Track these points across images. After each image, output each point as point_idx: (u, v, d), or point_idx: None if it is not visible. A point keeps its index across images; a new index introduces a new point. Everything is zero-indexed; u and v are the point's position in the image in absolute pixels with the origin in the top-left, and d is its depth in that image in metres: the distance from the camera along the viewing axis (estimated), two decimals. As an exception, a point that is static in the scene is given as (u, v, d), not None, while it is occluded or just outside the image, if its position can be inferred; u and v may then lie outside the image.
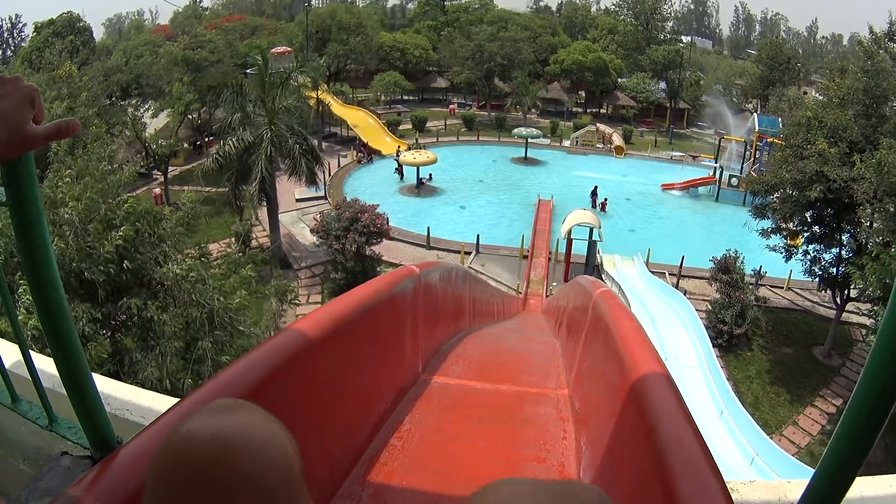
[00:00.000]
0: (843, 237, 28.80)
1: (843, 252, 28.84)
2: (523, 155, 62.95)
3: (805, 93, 68.99)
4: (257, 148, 34.10)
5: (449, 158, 57.11)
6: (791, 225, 30.65)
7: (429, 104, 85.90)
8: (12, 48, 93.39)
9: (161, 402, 3.28)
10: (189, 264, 13.25)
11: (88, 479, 1.64)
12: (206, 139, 56.30)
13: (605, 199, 49.95)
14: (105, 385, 3.27)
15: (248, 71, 47.47)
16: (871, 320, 25.73)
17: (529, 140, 62.62)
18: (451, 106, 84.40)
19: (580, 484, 1.23)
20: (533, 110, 78.71)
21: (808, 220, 29.65)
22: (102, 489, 1.60)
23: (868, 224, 25.11)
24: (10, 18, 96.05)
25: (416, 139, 64.35)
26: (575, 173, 59.03)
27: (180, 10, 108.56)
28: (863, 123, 27.04)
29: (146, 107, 51.12)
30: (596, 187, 50.90)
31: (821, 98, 35.56)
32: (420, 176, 51.72)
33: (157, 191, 45.71)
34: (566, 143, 69.76)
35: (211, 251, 18.78)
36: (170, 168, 48.45)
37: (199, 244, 16.51)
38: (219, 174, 36.32)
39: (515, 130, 64.95)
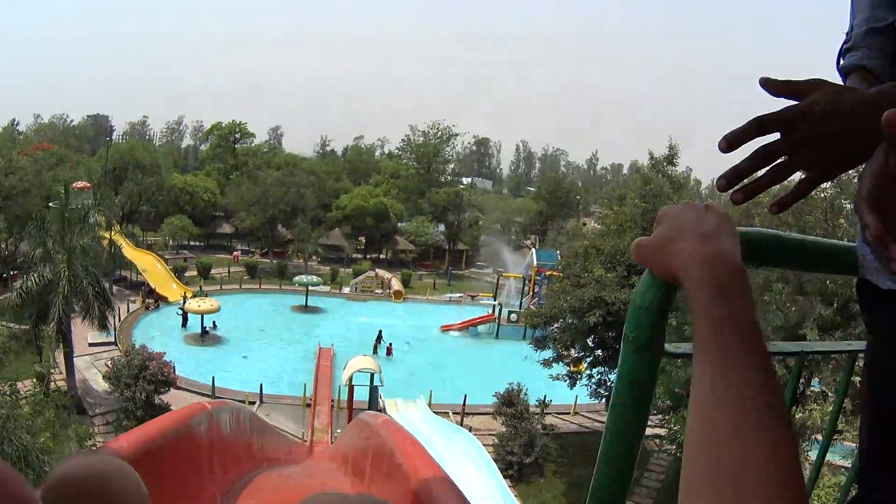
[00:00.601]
0: None
1: None
2: (304, 303, 63.87)
3: (584, 224, 72.19)
4: (55, 286, 34.11)
5: (232, 306, 57.28)
6: (573, 352, 32.66)
7: (214, 250, 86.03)
8: None
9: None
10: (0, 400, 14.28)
11: None
12: (12, 273, 54.49)
13: (391, 344, 51.17)
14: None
15: (50, 204, 47.36)
16: (665, 429, 27.56)
17: (310, 287, 63.52)
18: (235, 253, 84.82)
19: (376, 497, 1.45)
20: (314, 257, 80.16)
21: (591, 345, 31.66)
22: None
23: None
24: None
25: (201, 286, 64.44)
26: (356, 320, 60.17)
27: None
28: None
29: None
30: (381, 332, 52.24)
31: (599, 227, 37.95)
32: (204, 325, 51.87)
33: None
34: (346, 289, 70.99)
35: (18, 390, 19.67)
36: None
37: (10, 381, 17.39)
38: (21, 309, 35.94)
39: (296, 278, 65.87)
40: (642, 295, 1.18)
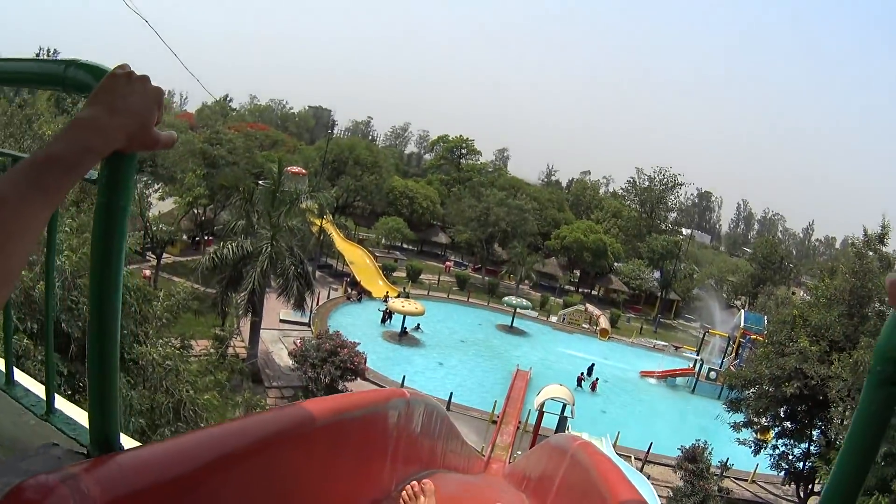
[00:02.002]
0: (814, 433, 28.94)
1: (812, 447, 28.96)
2: (509, 323, 62.90)
3: (794, 293, 69.64)
4: (254, 259, 33.95)
5: (436, 313, 56.95)
6: (763, 420, 30.78)
7: (426, 257, 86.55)
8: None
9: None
10: (167, 352, 13.25)
11: (80, 468, 1.48)
12: (206, 237, 56.42)
13: (597, 379, 49.79)
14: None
15: (260, 182, 47.83)
16: None
17: (518, 310, 62.75)
18: (448, 263, 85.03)
19: None
20: (527, 281, 78.49)
21: (782, 415, 29.87)
22: (93, 481, 1.45)
23: (839, 421, 25.24)
24: (47, 50, 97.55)
25: (406, 288, 64.71)
26: (558, 349, 58.81)
27: (210, 103, 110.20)
28: (845, 323, 27.51)
29: (155, 187, 51.35)
30: (592, 365, 51.05)
31: (808, 298, 36.12)
32: (405, 325, 51.49)
33: (147, 273, 45.24)
34: (553, 318, 69.72)
35: (192, 346, 18.81)
36: (165, 255, 48.45)
37: (183, 336, 16.48)
38: (211, 274, 36.04)
39: (506, 298, 65.30)
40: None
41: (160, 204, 51.60)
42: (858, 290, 28.18)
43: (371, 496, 4.18)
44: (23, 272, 10.48)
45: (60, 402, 2.24)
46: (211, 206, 53.21)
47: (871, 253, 30.43)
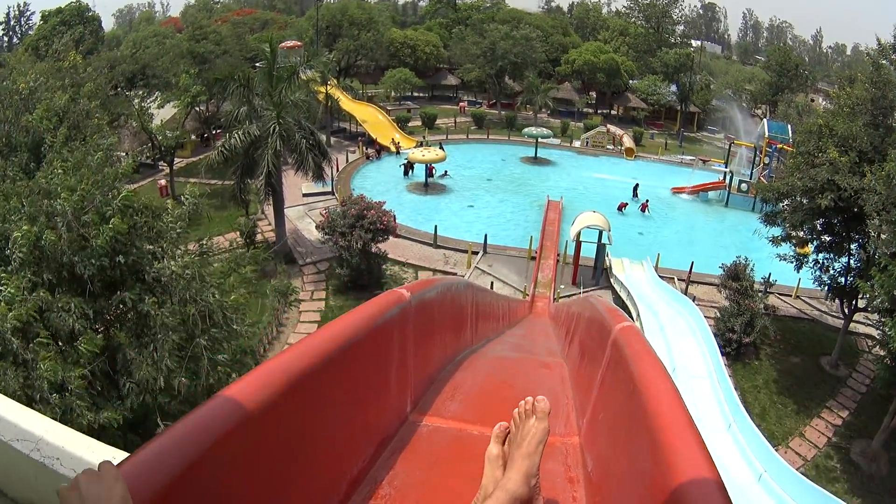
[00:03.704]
0: (852, 247, 28.51)
1: (852, 262, 28.57)
2: (533, 155, 62.57)
3: (812, 100, 69.34)
4: (264, 142, 33.41)
5: (458, 156, 56.75)
6: (801, 233, 30.32)
7: (439, 101, 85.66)
8: (18, 35, 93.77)
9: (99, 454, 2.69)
10: (186, 261, 12.86)
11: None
12: (214, 132, 55.75)
13: (647, 200, 50.06)
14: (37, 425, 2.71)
15: (256, 65, 46.74)
16: (879, 331, 25.17)
17: (540, 140, 62.27)
18: (462, 104, 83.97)
19: None
20: (544, 110, 78.11)
21: (819, 228, 29.46)
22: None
23: (877, 235, 24.66)
24: (17, 6, 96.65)
25: (424, 136, 64.35)
26: (586, 175, 58.67)
27: (192, 2, 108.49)
28: (871, 133, 26.84)
29: (152, 98, 50.16)
30: (636, 185, 51.64)
31: (830, 107, 35.32)
32: (434, 173, 51.51)
33: (163, 182, 45.53)
34: (576, 143, 69.25)
35: (216, 245, 18.47)
36: (177, 160, 48.01)
37: (201, 240, 16.04)
38: (224, 167, 35.63)
39: (526, 130, 64.50)
40: None
41: (161, 112, 50.90)
42: (879, 100, 27.55)
43: (382, 431, 4.02)
44: (26, 226, 10.16)
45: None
46: (212, 101, 52.03)
47: (884, 62, 29.49)
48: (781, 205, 30.88)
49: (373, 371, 3.84)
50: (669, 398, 2.68)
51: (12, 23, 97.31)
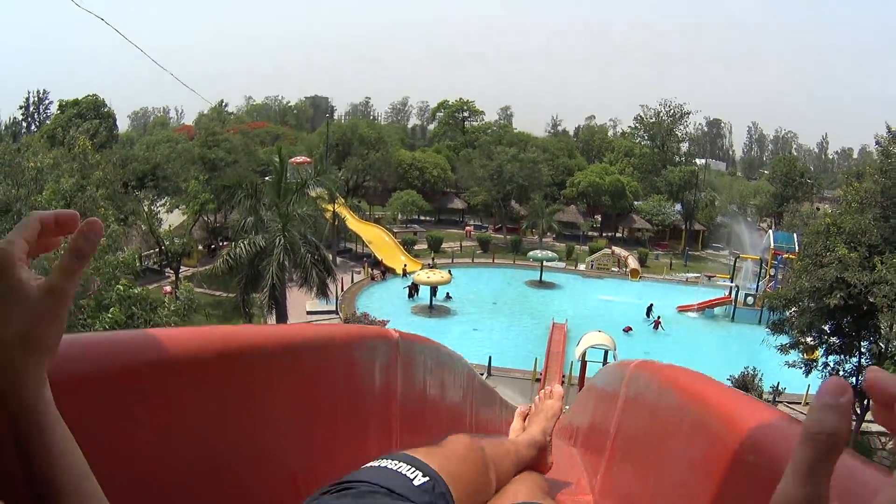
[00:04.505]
0: (863, 344, 28.21)
1: (863, 361, 28.24)
2: (538, 278, 62.55)
3: (818, 209, 69.79)
4: (269, 254, 33.51)
5: (463, 280, 56.85)
6: (809, 338, 30.25)
7: (445, 225, 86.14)
8: (37, 123, 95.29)
9: None
10: None
11: None
12: (221, 243, 55.95)
13: (659, 317, 50.41)
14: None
15: (266, 178, 47.79)
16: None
17: (545, 263, 62.27)
18: (468, 227, 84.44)
19: None
20: (549, 233, 78.28)
21: (827, 331, 29.30)
22: None
23: (889, 327, 24.44)
24: (37, 92, 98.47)
25: (433, 258, 64.77)
26: (591, 297, 58.70)
27: (206, 112, 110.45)
28: (882, 226, 26.68)
29: (162, 201, 51.06)
30: (651, 305, 52.04)
31: (838, 205, 35.43)
32: (433, 296, 51.34)
33: (168, 289, 45.26)
34: (581, 266, 69.50)
35: None
36: (183, 268, 48.31)
37: None
38: (229, 277, 35.78)
39: (531, 253, 64.67)
40: None
41: (169, 217, 51.46)
42: (890, 189, 27.41)
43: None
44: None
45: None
46: (220, 212, 52.60)
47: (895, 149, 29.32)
48: (788, 312, 30.72)
49: (346, 400, 2.99)
50: (711, 383, 2.45)
51: (31, 109, 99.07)
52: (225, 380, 1.82)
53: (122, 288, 11.96)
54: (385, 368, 3.49)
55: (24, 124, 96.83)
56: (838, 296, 25.96)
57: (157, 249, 45.42)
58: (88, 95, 72.22)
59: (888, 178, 27.64)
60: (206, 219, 53.06)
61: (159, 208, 49.20)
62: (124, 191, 44.69)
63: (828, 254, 27.48)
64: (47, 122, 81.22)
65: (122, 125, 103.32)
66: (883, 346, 25.40)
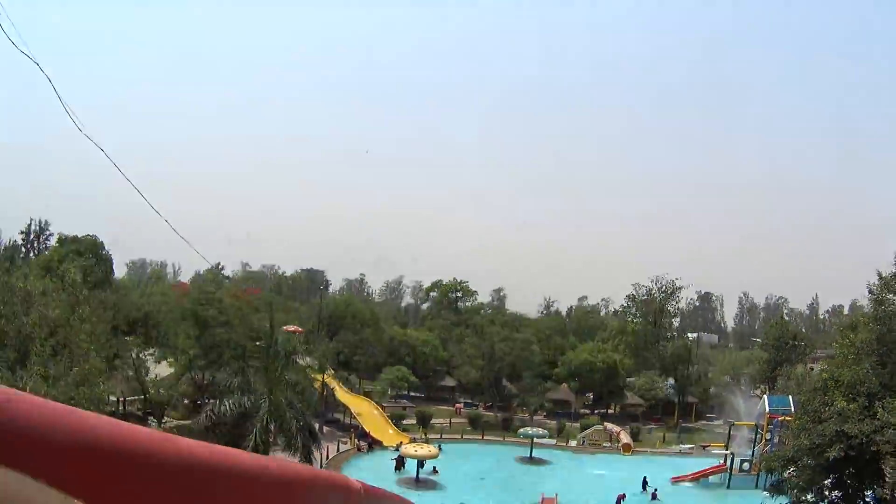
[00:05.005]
0: (867, 494, 27.53)
1: None
2: (528, 455, 62.00)
3: (811, 369, 68.72)
4: (254, 416, 33.19)
5: (452, 455, 56.51)
6: (809, 496, 29.39)
7: (435, 402, 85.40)
8: (35, 251, 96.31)
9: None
10: None
11: None
12: (208, 400, 55.30)
13: (656, 489, 50.44)
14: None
15: (258, 343, 47.94)
16: None
17: (535, 440, 62.05)
18: (458, 405, 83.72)
19: None
20: (540, 411, 78.12)
21: (828, 486, 28.57)
22: None
23: (894, 472, 23.80)
24: (39, 221, 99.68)
25: (426, 433, 64.53)
26: (583, 472, 58.14)
27: (202, 272, 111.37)
28: (880, 373, 26.36)
29: (150, 350, 51.05)
30: (645, 478, 51.75)
31: (833, 360, 34.17)
32: (420, 470, 50.77)
33: None
34: (573, 443, 69.00)
35: None
36: (168, 420, 48.21)
37: None
38: (211, 434, 34.61)
39: (521, 430, 64.61)
40: None
41: (158, 368, 51.54)
42: (885, 336, 27.14)
43: None
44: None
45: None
46: (209, 371, 52.69)
47: (890, 295, 29.01)
48: (787, 472, 30.11)
49: None
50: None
51: (31, 237, 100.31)
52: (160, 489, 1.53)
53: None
54: None
55: (24, 250, 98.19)
56: (838, 448, 25.46)
57: (142, 396, 45.07)
58: (88, 235, 73.56)
59: (883, 325, 27.42)
60: (193, 375, 52.95)
61: (147, 357, 49.52)
62: (113, 335, 44.63)
63: (826, 409, 27.13)
64: (45, 252, 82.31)
65: (120, 270, 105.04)
66: (888, 493, 24.66)
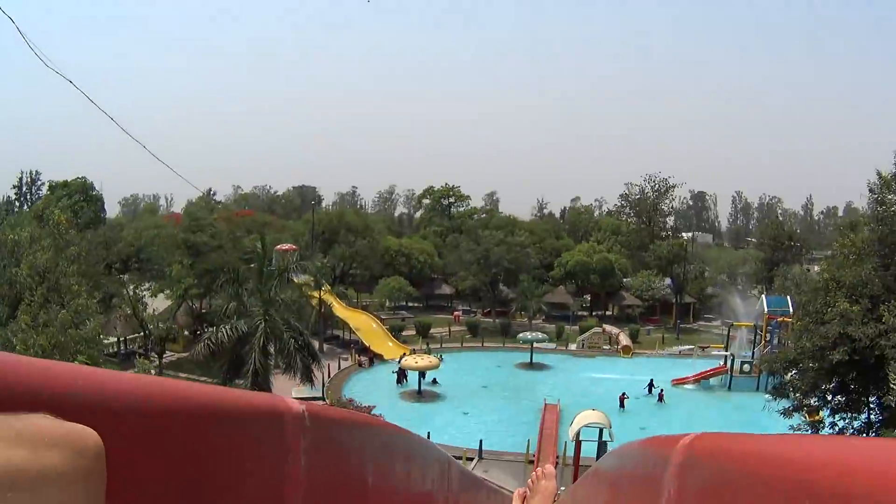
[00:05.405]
0: (871, 400, 27.25)
1: (873, 417, 27.31)
2: (529, 360, 61.88)
3: (809, 270, 68.50)
4: (251, 339, 32.73)
5: (453, 364, 56.36)
6: (813, 400, 29.31)
7: (433, 311, 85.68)
8: (29, 203, 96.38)
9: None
10: None
11: None
12: (207, 329, 55.09)
13: (662, 390, 50.72)
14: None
15: (252, 265, 47.63)
16: None
17: (535, 344, 61.79)
18: (456, 312, 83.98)
19: None
20: (538, 315, 78.03)
21: (831, 390, 28.38)
22: None
23: None
24: (30, 172, 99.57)
25: (428, 343, 64.39)
26: (583, 375, 58.00)
27: (194, 200, 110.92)
28: (883, 275, 25.69)
29: (146, 285, 50.97)
30: (651, 380, 51.86)
31: (833, 260, 33.65)
32: (421, 382, 50.69)
33: (152, 373, 44.77)
34: (572, 346, 69.05)
35: None
36: (169, 353, 48.09)
37: None
38: (212, 362, 35.12)
39: (520, 335, 64.34)
40: None
41: (154, 301, 51.22)
42: (887, 237, 26.40)
43: None
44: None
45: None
46: (206, 298, 52.25)
47: (891, 195, 28.11)
48: (789, 375, 29.87)
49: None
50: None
51: (24, 189, 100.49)
52: None
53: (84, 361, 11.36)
54: (279, 457, 2.07)
55: (17, 203, 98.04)
56: (843, 350, 25.07)
57: (141, 333, 44.85)
58: (77, 178, 72.95)
59: (885, 226, 26.75)
60: (191, 304, 53.11)
61: (144, 292, 49.21)
62: (107, 273, 44.81)
63: (829, 310, 26.54)
64: (38, 202, 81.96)
65: (114, 210, 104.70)
66: (892, 400, 24.35)
